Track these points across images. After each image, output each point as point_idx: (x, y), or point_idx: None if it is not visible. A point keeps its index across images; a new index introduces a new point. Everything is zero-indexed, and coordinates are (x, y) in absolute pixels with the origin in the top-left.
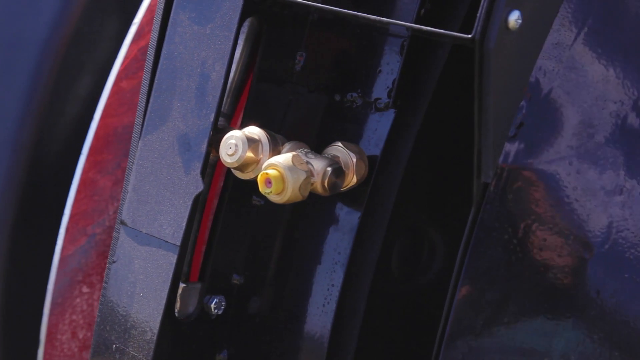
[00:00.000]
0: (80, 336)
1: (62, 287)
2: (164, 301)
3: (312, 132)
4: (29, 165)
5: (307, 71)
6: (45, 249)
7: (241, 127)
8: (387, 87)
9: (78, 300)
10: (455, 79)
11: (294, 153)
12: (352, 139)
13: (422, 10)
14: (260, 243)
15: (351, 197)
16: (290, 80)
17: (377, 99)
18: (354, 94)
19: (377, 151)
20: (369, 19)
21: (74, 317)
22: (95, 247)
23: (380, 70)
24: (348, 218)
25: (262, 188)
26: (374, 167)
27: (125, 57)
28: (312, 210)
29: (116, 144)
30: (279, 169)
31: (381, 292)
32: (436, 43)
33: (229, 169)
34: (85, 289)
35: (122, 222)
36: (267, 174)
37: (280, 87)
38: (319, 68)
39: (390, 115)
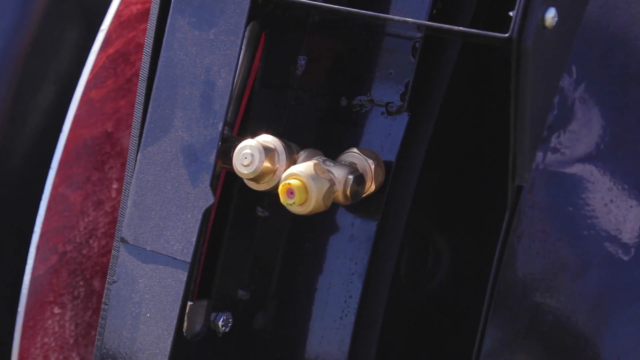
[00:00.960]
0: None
1: (33, 309)
2: (174, 321)
3: (316, 138)
4: None
5: (309, 76)
6: (13, 270)
7: (239, 135)
8: (400, 90)
9: (50, 322)
10: (465, 79)
11: (314, 161)
12: (362, 144)
13: (434, 10)
14: (266, 256)
15: (367, 205)
16: (292, 86)
17: (389, 102)
18: (363, 98)
19: (391, 157)
20: (393, 20)
21: (46, 339)
22: (66, 265)
23: (390, 73)
24: (364, 227)
25: (283, 199)
26: (389, 173)
27: (94, 66)
28: (323, 220)
29: (86, 157)
30: (302, 179)
31: (395, 302)
32: (447, 43)
33: (227, 180)
34: (56, 310)
35: (123, 240)
36: (289, 184)
37: (281, 93)
38: (322, 72)
39: (404, 119)
